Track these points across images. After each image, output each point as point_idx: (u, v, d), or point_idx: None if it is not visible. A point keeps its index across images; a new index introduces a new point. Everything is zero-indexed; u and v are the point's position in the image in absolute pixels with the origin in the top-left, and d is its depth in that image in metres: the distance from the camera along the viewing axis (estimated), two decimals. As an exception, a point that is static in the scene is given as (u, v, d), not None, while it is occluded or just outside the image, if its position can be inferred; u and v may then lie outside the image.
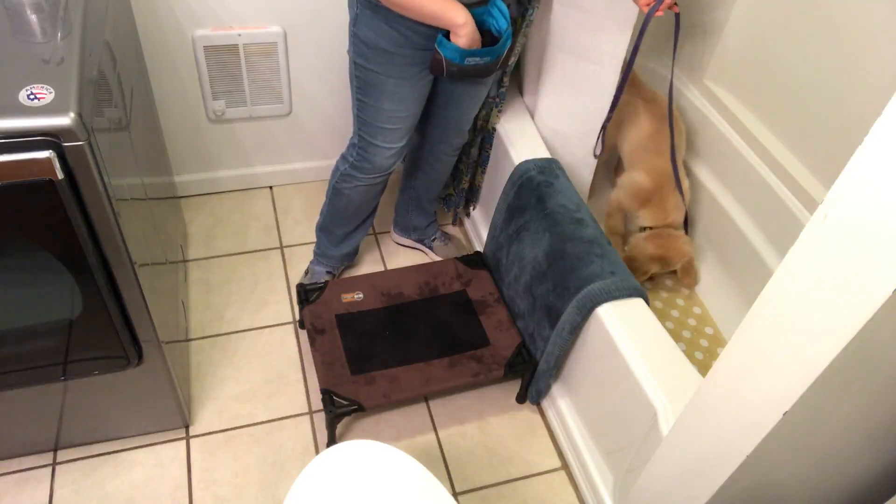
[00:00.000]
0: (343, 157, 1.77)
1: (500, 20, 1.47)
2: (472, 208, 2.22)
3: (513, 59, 1.79)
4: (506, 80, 1.82)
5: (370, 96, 1.56)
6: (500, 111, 1.91)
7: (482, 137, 1.97)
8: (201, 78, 1.98)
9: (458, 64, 1.46)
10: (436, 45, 1.45)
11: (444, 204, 2.24)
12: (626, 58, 1.79)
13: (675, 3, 1.68)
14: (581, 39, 1.75)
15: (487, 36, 1.48)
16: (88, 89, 1.08)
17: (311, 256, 2.06)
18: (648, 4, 1.63)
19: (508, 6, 1.50)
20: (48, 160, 1.03)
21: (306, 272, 2.03)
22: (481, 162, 2.05)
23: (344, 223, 1.90)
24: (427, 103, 1.73)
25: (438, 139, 1.83)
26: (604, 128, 1.97)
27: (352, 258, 2.06)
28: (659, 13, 1.61)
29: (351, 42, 1.52)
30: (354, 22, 1.47)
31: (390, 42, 1.46)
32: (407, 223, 2.14)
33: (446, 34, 1.44)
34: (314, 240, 2.01)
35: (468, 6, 1.42)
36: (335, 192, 1.81)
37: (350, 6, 1.48)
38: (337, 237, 1.93)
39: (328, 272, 2.00)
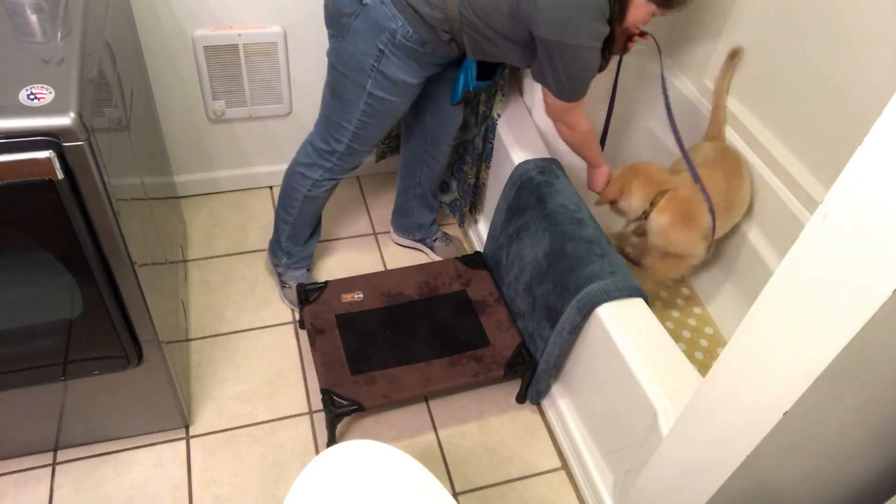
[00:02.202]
0: (314, 165, 1.74)
1: None
2: (478, 213, 2.21)
3: None
4: (507, 65, 1.83)
5: (378, 119, 1.62)
6: (503, 95, 1.91)
7: (485, 128, 1.96)
8: (201, 78, 1.98)
9: (471, 90, 1.69)
10: (469, 85, 1.67)
11: (449, 209, 2.23)
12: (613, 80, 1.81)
13: (644, 33, 1.67)
14: None
15: (482, 66, 1.66)
16: (88, 89, 1.08)
17: (310, 256, 2.06)
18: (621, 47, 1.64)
19: None
20: (48, 160, 1.03)
21: (284, 284, 1.98)
22: (486, 156, 2.04)
23: (311, 222, 1.91)
24: (419, 101, 1.76)
25: (439, 130, 1.86)
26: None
27: (312, 254, 2.04)
28: (628, 51, 1.65)
29: (371, 77, 1.52)
30: (378, 59, 1.49)
31: (416, 75, 1.55)
32: (411, 223, 2.13)
33: (477, 70, 1.65)
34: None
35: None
36: (308, 199, 1.80)
37: (366, 42, 1.47)
38: (305, 237, 1.93)
39: (307, 269, 2.00)
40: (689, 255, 1.83)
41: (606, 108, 1.87)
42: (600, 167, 1.80)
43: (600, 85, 1.81)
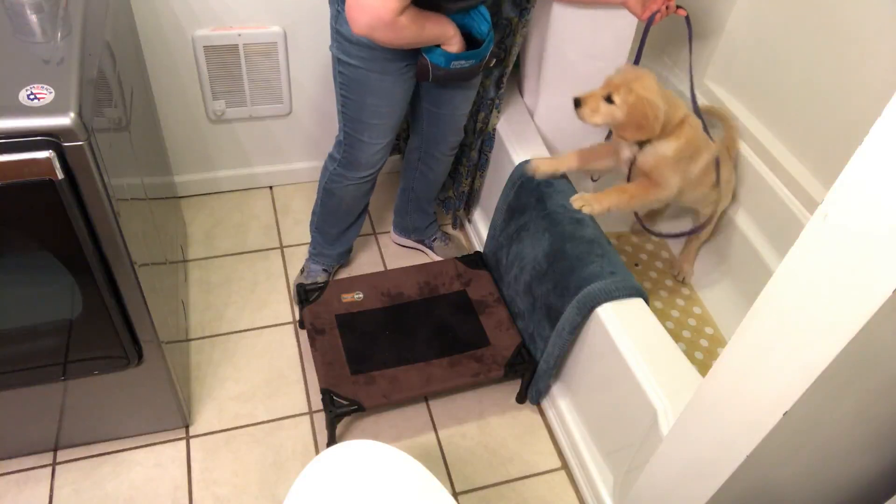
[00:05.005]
0: (331, 156, 1.77)
1: (482, 24, 1.50)
2: (471, 214, 2.22)
3: (511, 60, 1.79)
4: (504, 80, 1.82)
5: (354, 92, 1.56)
6: (499, 112, 1.91)
7: (482, 140, 1.96)
8: (201, 78, 1.98)
9: (445, 68, 1.49)
10: (421, 52, 1.47)
11: (443, 206, 2.24)
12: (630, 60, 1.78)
13: (680, 7, 1.67)
14: (582, 36, 1.75)
15: (468, 39, 1.50)
16: (88, 89, 1.08)
17: (310, 256, 2.06)
18: (647, 14, 1.63)
19: (493, 12, 1.49)
20: (48, 160, 1.03)
21: (302, 271, 2.03)
22: (480, 166, 2.04)
23: (337, 222, 1.90)
24: (420, 103, 1.74)
25: (435, 139, 1.83)
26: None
27: (347, 256, 2.06)
28: (656, 22, 1.61)
29: (333, 38, 1.51)
30: (336, 18, 1.47)
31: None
32: (406, 224, 2.14)
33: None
34: (312, 239, 2.01)
35: (456, 11, 1.44)
36: (326, 192, 1.82)
37: (331, 3, 1.47)
38: (332, 236, 1.94)
39: (324, 270, 2.00)
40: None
41: None
42: (451, 34, 1.45)
43: (578, 54, 1.79)
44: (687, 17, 1.70)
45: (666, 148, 1.63)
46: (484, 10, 1.50)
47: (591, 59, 1.77)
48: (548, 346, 1.63)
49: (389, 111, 1.61)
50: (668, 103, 1.61)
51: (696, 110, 1.86)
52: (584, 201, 1.68)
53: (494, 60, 1.66)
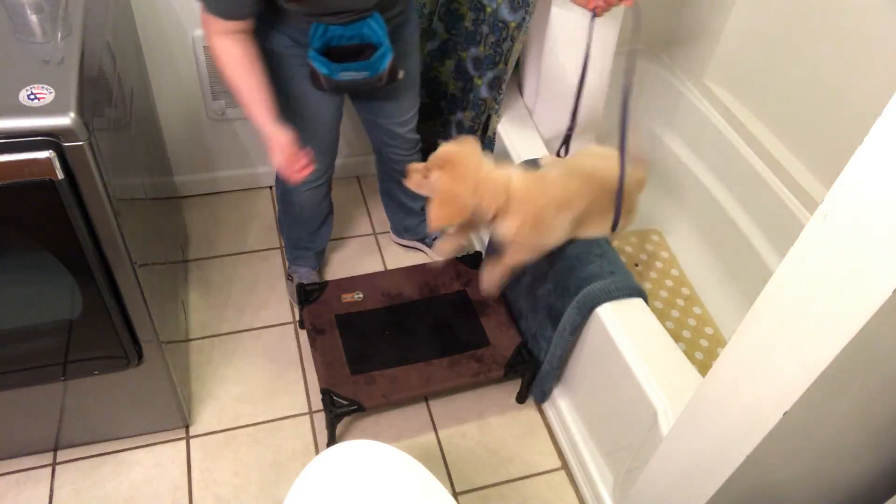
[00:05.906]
0: None
1: (379, 33, 1.43)
2: None
3: (511, 65, 1.79)
4: (503, 84, 1.82)
5: (285, 104, 1.52)
6: (499, 116, 1.91)
7: (481, 144, 1.95)
8: (201, 78, 1.98)
9: (334, 79, 1.45)
10: (308, 58, 1.43)
11: None
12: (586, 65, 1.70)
13: None
14: (572, 44, 1.75)
15: (370, 49, 1.44)
16: (88, 89, 1.08)
17: (310, 256, 2.06)
18: (591, 5, 1.56)
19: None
20: (48, 160, 1.03)
21: (290, 278, 2.01)
22: None
23: (305, 226, 1.91)
24: (359, 110, 1.77)
25: (385, 143, 1.84)
26: (568, 134, 1.81)
27: (324, 255, 2.07)
28: (599, 14, 1.54)
29: None
30: None
31: (278, 44, 1.46)
32: (397, 224, 2.15)
33: (317, 48, 1.40)
34: (310, 240, 2.01)
35: (342, 22, 1.39)
36: (285, 202, 1.83)
37: None
38: (304, 238, 1.95)
39: (312, 269, 2.01)
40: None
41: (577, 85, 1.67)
42: (266, 132, 1.40)
43: (571, 58, 1.73)
44: (636, 7, 1.61)
45: (506, 228, 1.52)
46: (379, 19, 1.42)
47: (580, 67, 1.75)
48: (550, 346, 1.63)
49: (311, 114, 1.59)
50: (485, 187, 1.49)
51: (626, 100, 1.56)
52: (486, 282, 1.71)
53: (402, 72, 1.57)
